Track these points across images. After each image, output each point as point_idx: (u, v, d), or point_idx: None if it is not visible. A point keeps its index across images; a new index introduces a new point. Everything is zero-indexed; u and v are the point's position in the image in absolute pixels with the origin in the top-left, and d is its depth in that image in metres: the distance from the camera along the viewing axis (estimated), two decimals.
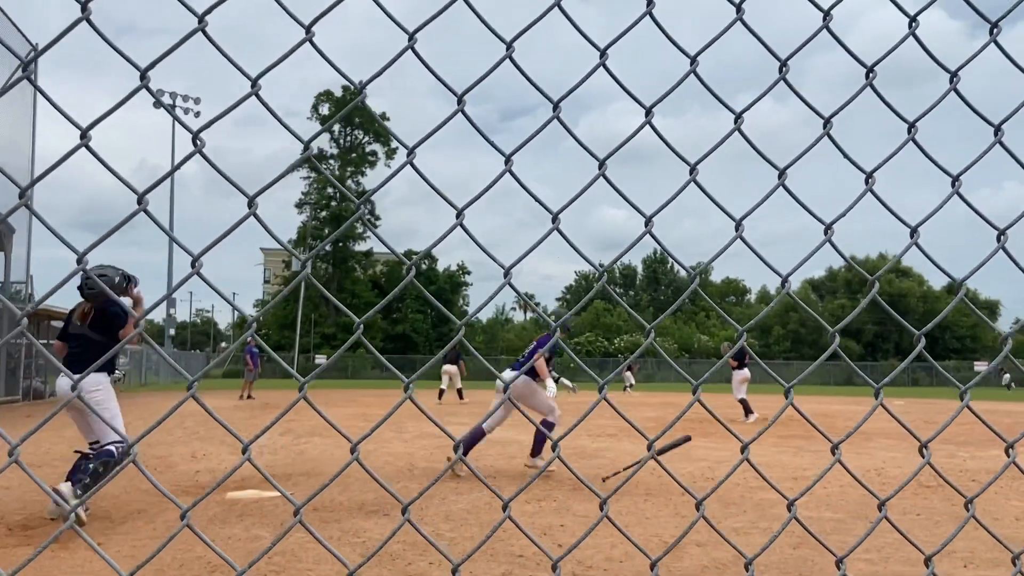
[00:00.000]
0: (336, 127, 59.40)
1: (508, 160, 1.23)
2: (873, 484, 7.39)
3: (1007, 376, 47.67)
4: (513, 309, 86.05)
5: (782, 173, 1.38)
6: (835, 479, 7.59)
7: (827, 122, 1.40)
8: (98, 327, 5.61)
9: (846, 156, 1.39)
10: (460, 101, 1.19)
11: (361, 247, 60.18)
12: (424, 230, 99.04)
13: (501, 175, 1.23)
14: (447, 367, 22.92)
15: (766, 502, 6.33)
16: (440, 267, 63.24)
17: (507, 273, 1.24)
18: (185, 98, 47.73)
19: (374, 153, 60.34)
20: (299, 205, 59.75)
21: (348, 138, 60.43)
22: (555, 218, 1.27)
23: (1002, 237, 1.47)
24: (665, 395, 31.27)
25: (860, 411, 20.33)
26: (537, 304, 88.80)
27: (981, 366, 56.11)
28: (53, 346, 6.28)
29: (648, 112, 1.31)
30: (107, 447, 5.53)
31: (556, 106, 1.25)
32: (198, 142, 1.08)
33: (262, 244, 70.99)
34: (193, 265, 1.09)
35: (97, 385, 5.55)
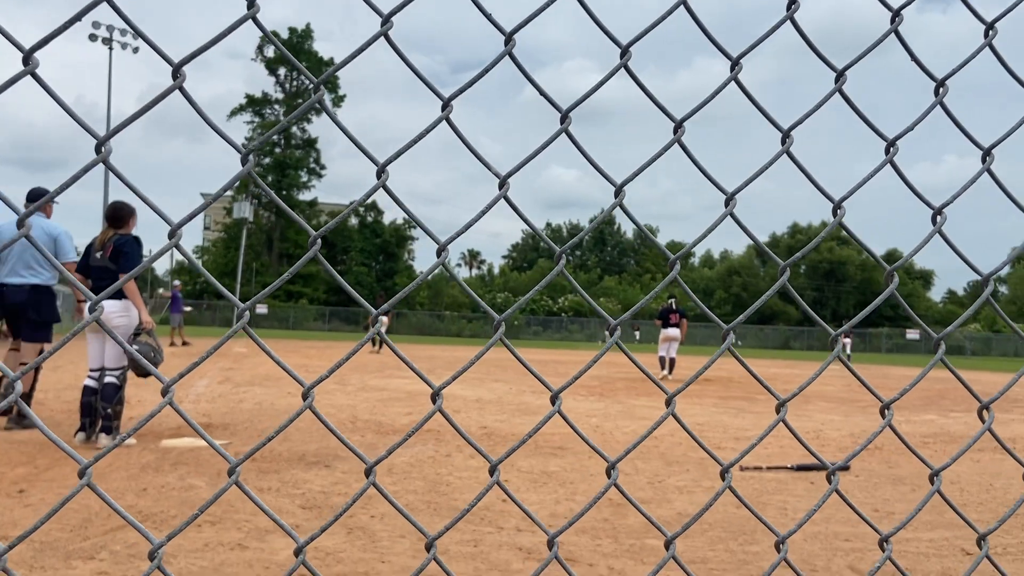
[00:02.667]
0: (282, 71, 57.61)
1: (446, 105, 1.07)
2: (812, 445, 7.55)
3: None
4: (459, 265, 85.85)
5: (786, 136, 1.26)
6: (775, 440, 7.73)
7: (839, 74, 1.28)
8: (115, 259, 5.97)
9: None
10: (385, 23, 1.03)
11: (306, 196, 58.90)
12: (370, 181, 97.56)
13: (437, 122, 1.07)
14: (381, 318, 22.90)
15: (708, 460, 6.38)
16: (386, 220, 62.43)
17: (440, 251, 1.11)
18: (123, 32, 45.55)
19: (321, 100, 58.93)
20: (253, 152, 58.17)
21: (295, 83, 58.66)
22: (503, 183, 1.12)
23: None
24: (611, 355, 31.61)
25: (797, 374, 20.86)
26: (481, 262, 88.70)
27: (913, 334, 58.22)
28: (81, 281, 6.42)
29: (624, 52, 1.17)
30: (110, 380, 6.00)
31: (509, 39, 1.10)
32: (179, 75, 0.91)
33: (202, 189, 69.00)
34: (171, 236, 0.93)
35: (122, 312, 5.95)
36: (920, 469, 6.26)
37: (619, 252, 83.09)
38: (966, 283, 76.28)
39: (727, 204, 1.28)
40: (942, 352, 1.49)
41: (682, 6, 1.16)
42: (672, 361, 16.17)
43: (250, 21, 0.95)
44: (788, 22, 1.23)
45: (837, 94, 1.29)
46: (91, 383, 6.14)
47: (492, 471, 1.18)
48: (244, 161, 0.96)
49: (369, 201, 62.68)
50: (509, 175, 1.13)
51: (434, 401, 1.12)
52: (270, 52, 57.27)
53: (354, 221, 61.63)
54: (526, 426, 8.05)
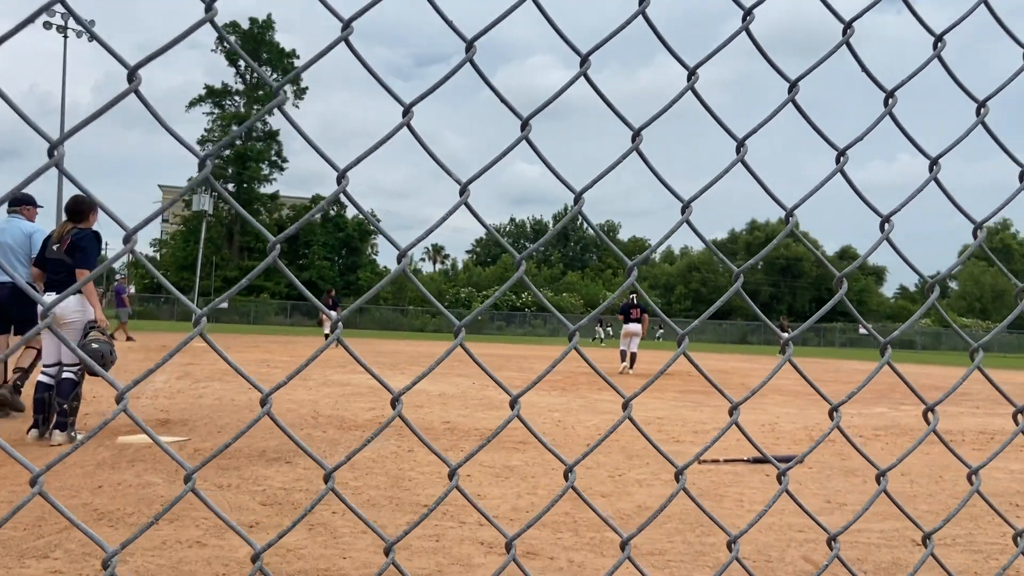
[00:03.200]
0: (243, 62, 56.74)
1: (407, 111, 1.09)
2: (766, 439, 7.69)
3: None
4: (422, 260, 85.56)
5: (741, 145, 1.29)
6: (733, 433, 7.85)
7: (792, 84, 1.32)
8: (71, 253, 5.86)
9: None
10: (347, 27, 1.04)
11: (267, 189, 58.15)
12: (333, 174, 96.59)
13: (397, 129, 1.08)
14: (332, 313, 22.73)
15: (669, 454, 6.47)
16: (349, 215, 61.90)
17: (400, 258, 1.12)
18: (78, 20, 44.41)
19: (283, 91, 58.07)
20: (201, 143, 57.05)
21: (255, 74, 57.83)
22: (463, 189, 1.13)
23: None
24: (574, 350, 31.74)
25: (754, 368, 21.19)
26: (445, 257, 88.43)
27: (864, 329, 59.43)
28: (31, 273, 6.56)
29: (584, 60, 1.19)
30: (67, 376, 5.91)
31: (470, 46, 1.11)
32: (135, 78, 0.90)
33: (160, 180, 67.70)
34: (126, 241, 0.93)
35: (76, 308, 5.83)
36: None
37: (582, 248, 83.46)
38: (917, 279, 78.12)
39: (683, 211, 1.31)
40: (888, 356, 1.54)
41: (641, 16, 1.19)
42: (633, 356, 16.44)
43: (212, 14, 0.96)
44: (747, 30, 1.27)
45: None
46: (45, 379, 6.06)
47: (451, 475, 1.20)
48: (202, 166, 0.96)
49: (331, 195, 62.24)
50: (469, 182, 1.15)
51: (394, 406, 1.13)
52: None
53: (316, 215, 61.04)
54: (489, 421, 8.08)
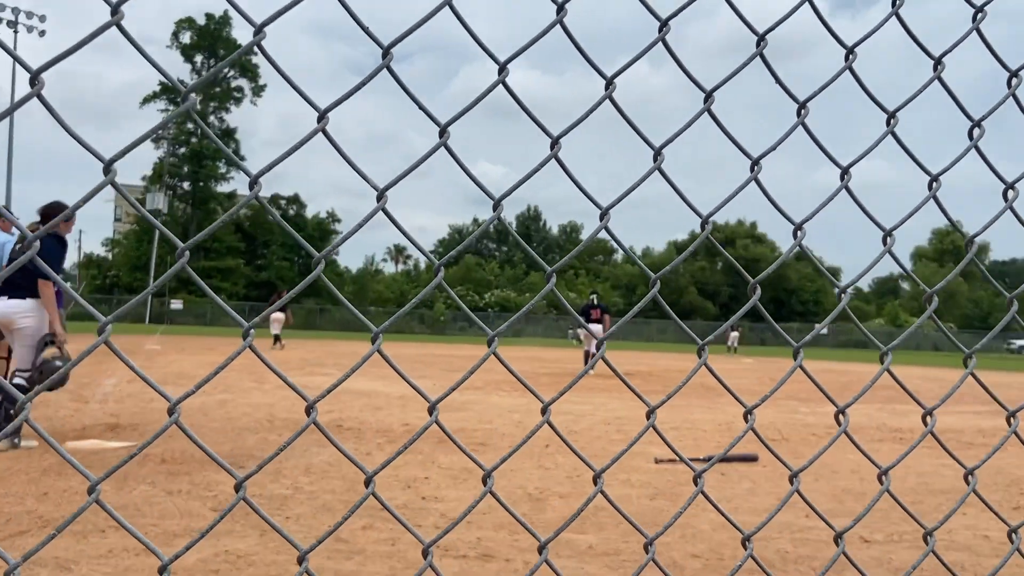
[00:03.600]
0: (199, 58, 55.80)
1: (322, 117, 1.07)
2: (723, 438, 7.78)
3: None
4: (384, 260, 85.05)
5: (658, 153, 1.30)
6: (689, 432, 7.94)
7: (708, 93, 1.32)
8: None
9: (732, 139, 1.33)
10: (258, 32, 1.03)
11: (224, 188, 57.27)
12: (292, 173, 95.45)
13: (312, 134, 1.07)
14: (276, 315, 22.74)
15: (626, 453, 6.51)
16: (309, 214, 61.25)
17: (317, 262, 1.11)
18: (29, 15, 43.35)
19: (240, 89, 57.14)
20: (155, 140, 55.90)
21: (193, 83, 57.00)
22: (380, 196, 1.12)
23: (888, 239, 1.46)
24: (534, 350, 31.86)
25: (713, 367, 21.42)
26: (407, 257, 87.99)
27: (822, 329, 60.70)
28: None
29: (501, 69, 1.18)
30: (18, 381, 5.71)
31: (386, 52, 1.10)
32: (37, 82, 0.87)
33: (114, 178, 66.22)
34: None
35: (29, 312, 5.70)
36: (823, 460, 6.54)
37: (544, 248, 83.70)
38: (871, 280, 79.87)
39: (603, 218, 1.31)
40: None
41: (558, 24, 1.19)
42: (586, 355, 16.71)
43: (163, 5, 0.93)
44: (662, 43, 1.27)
45: (707, 114, 1.34)
46: (21, 382, 5.86)
47: (367, 482, 1.19)
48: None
49: (291, 194, 61.28)
50: (384, 188, 1.13)
51: (308, 414, 1.11)
52: (186, 38, 55.44)
53: (277, 214, 60.33)
54: (448, 423, 7.99)
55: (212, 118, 55.41)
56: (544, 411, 1.24)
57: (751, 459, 6.31)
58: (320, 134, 1.05)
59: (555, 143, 1.18)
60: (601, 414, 9.07)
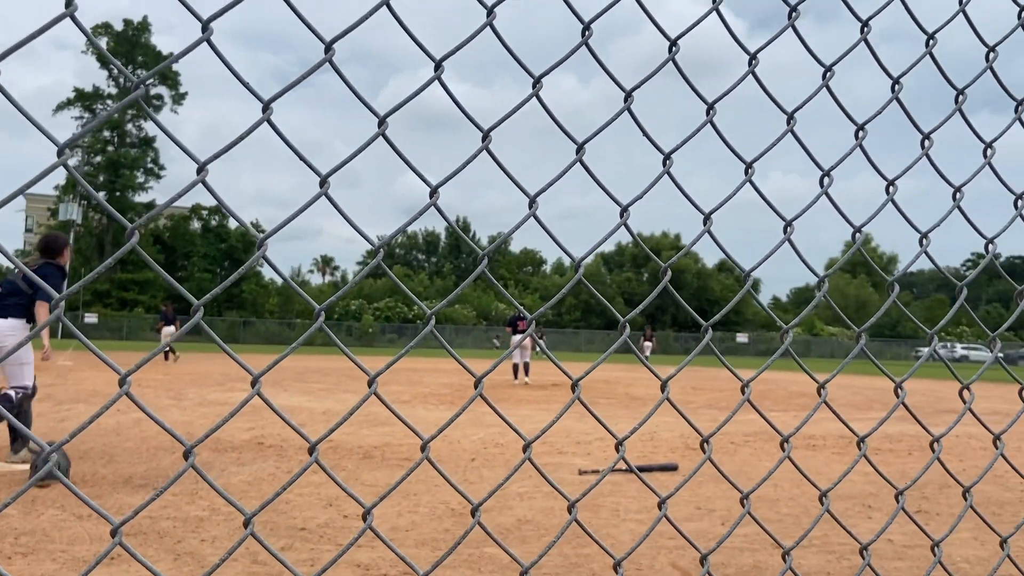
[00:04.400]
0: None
1: (266, 108, 1.08)
2: (646, 448, 7.94)
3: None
4: (311, 271, 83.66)
5: (580, 148, 1.35)
6: (612, 442, 8.05)
7: (628, 95, 1.38)
8: (28, 283, 5.87)
9: (646, 134, 1.39)
10: (206, 29, 1.04)
11: (142, 198, 55.38)
12: (218, 184, 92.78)
13: (256, 125, 1.08)
14: (166, 328, 22.43)
15: (550, 466, 6.59)
16: (232, 224, 59.75)
17: (260, 244, 1.12)
18: None
19: (159, 97, 55.44)
20: (70, 148, 53.62)
21: (144, 75, 55.04)
22: (323, 182, 1.15)
23: (789, 229, 1.54)
24: (467, 361, 31.71)
25: (637, 378, 21.82)
26: (336, 268, 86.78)
27: (742, 337, 62.50)
28: None
29: (437, 66, 1.22)
30: (7, 392, 5.78)
31: (328, 47, 1.13)
32: None
33: (67, 161, 63.25)
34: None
35: (13, 331, 5.79)
36: (740, 467, 6.75)
37: (473, 259, 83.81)
38: (788, 290, 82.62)
39: (530, 210, 1.35)
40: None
41: (487, 27, 1.23)
42: (526, 366, 16.92)
43: (79, 10, 0.93)
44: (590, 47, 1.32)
45: (627, 111, 1.40)
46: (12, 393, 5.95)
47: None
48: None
49: (213, 204, 59.66)
50: (327, 176, 1.15)
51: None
52: (102, 44, 53.57)
53: (196, 225, 58.67)
54: (373, 438, 7.98)
55: (130, 126, 53.60)
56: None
57: (671, 468, 6.46)
58: (249, 133, 1.06)
59: (486, 135, 1.22)
60: (526, 426, 9.13)
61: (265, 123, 1.06)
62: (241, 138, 1.04)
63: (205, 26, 1.01)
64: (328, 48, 1.11)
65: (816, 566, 3.91)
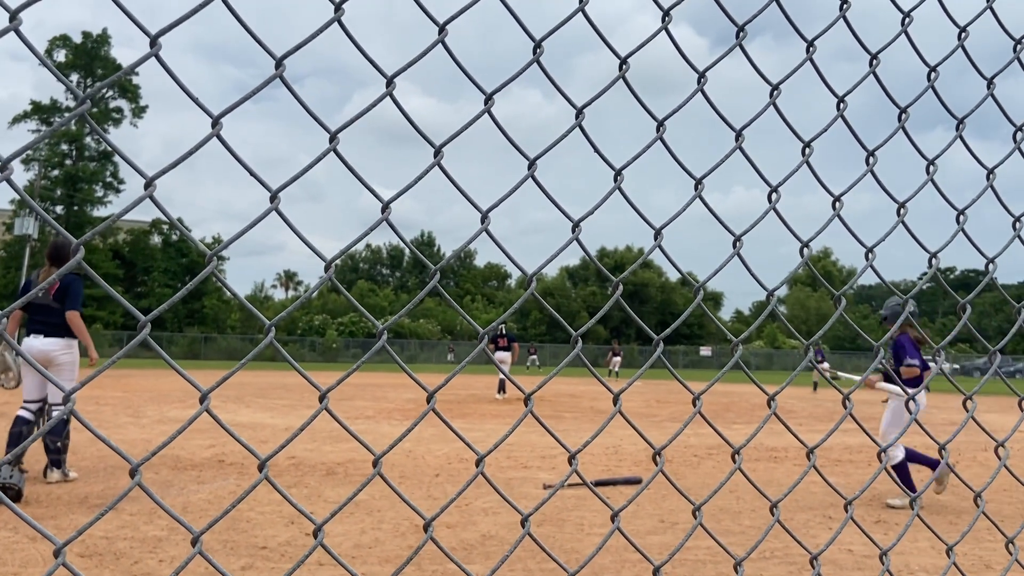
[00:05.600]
0: (75, 77, 53.06)
1: (215, 123, 1.08)
2: (610, 461, 7.97)
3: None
4: (273, 286, 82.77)
5: (532, 164, 1.37)
6: (579, 456, 8.06)
7: (579, 113, 1.40)
8: (59, 298, 6.04)
9: (596, 150, 1.41)
10: (153, 44, 1.04)
11: (101, 212, 54.37)
12: (179, 199, 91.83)
13: (205, 140, 1.08)
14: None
15: (515, 481, 6.58)
16: (196, 237, 58.81)
17: (209, 260, 1.11)
18: None
19: (119, 110, 54.59)
20: (26, 161, 52.54)
21: (88, 90, 54.09)
22: (273, 197, 1.14)
23: (738, 243, 1.57)
24: (424, 376, 31.56)
25: (602, 391, 21.90)
26: (299, 283, 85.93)
27: (706, 351, 63.15)
28: (12, 316, 6.39)
29: (389, 83, 1.22)
30: (55, 413, 5.95)
31: (279, 63, 1.13)
32: None
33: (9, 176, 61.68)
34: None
35: (68, 348, 6.07)
36: (703, 480, 6.80)
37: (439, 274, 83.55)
38: (751, 303, 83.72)
39: (482, 225, 1.36)
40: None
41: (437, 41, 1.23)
42: (502, 383, 17.03)
43: (37, 21, 0.92)
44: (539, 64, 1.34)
45: (577, 129, 1.42)
46: (26, 414, 6.06)
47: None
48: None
49: (176, 217, 58.95)
50: (277, 191, 1.14)
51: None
52: (60, 56, 52.61)
53: (157, 240, 57.73)
54: (336, 455, 7.89)
55: (89, 139, 52.64)
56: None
57: (634, 482, 6.49)
58: (205, 145, 1.05)
59: (438, 151, 1.22)
60: (490, 439, 9.10)
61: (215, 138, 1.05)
62: (189, 154, 1.04)
63: (153, 41, 1.01)
64: (279, 64, 1.11)
65: (778, 574, 3.96)
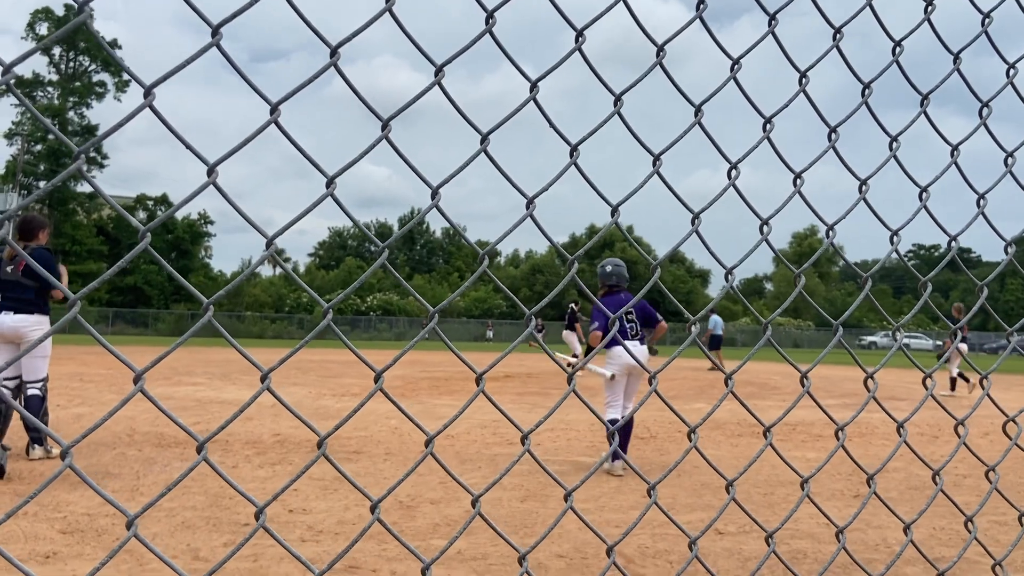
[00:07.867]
0: (57, 50, 52.28)
1: (274, 110, 1.08)
2: (596, 437, 8.01)
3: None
4: (262, 263, 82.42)
5: (484, 138, 1.36)
6: (563, 433, 8.12)
7: (617, 98, 1.38)
8: (29, 273, 5.90)
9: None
10: (216, 33, 1.03)
11: (85, 188, 53.83)
12: (163, 174, 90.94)
13: (266, 125, 1.08)
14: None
15: (500, 457, 6.61)
16: (179, 215, 58.44)
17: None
18: None
19: (102, 84, 53.85)
20: (9, 136, 51.83)
21: (71, 64, 53.42)
22: (211, 170, 1.14)
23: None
24: (415, 353, 31.62)
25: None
26: (287, 259, 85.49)
27: (694, 328, 63.51)
28: None
29: (438, 71, 1.22)
30: (33, 392, 5.89)
31: (334, 52, 1.12)
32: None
33: None
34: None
35: (39, 325, 5.96)
36: (688, 458, 6.85)
37: (428, 251, 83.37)
38: (739, 281, 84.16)
39: (527, 207, 1.35)
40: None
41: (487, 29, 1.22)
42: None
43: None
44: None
45: (618, 114, 1.41)
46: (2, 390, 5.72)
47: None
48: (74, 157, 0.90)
49: (159, 194, 58.41)
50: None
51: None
52: (43, 29, 51.80)
53: (143, 215, 57.27)
54: (322, 430, 7.89)
55: (72, 114, 52.00)
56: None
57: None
58: (257, 134, 1.04)
59: (484, 138, 1.21)
60: (478, 416, 9.13)
61: (268, 124, 1.03)
62: (248, 140, 1.06)
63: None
64: (334, 52, 1.11)
65: (757, 550, 4.00)
